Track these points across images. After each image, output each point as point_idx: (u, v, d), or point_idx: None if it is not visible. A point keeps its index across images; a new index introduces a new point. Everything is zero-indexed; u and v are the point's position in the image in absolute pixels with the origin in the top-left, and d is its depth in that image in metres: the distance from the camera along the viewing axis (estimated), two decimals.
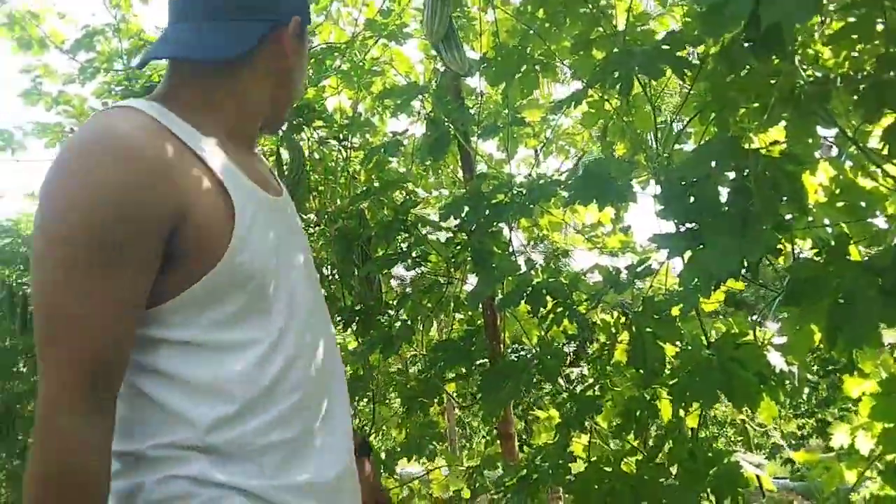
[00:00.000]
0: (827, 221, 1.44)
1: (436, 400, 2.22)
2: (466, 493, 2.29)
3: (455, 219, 1.99)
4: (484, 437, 2.65)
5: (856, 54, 1.31)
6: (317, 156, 2.88)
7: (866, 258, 1.25)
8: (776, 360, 1.40)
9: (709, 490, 1.42)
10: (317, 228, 2.95)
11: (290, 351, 0.89)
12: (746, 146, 1.34)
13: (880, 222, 1.41)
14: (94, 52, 2.55)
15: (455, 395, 2.55)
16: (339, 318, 2.72)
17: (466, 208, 1.95)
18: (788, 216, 1.33)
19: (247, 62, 0.92)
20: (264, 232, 0.90)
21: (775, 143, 1.31)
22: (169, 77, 0.93)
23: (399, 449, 2.36)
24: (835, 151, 1.48)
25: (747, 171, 1.28)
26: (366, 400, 2.47)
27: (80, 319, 0.77)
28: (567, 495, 1.61)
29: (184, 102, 0.89)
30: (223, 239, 0.84)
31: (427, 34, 1.66)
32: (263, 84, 0.95)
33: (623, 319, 1.76)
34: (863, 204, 1.41)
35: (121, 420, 0.81)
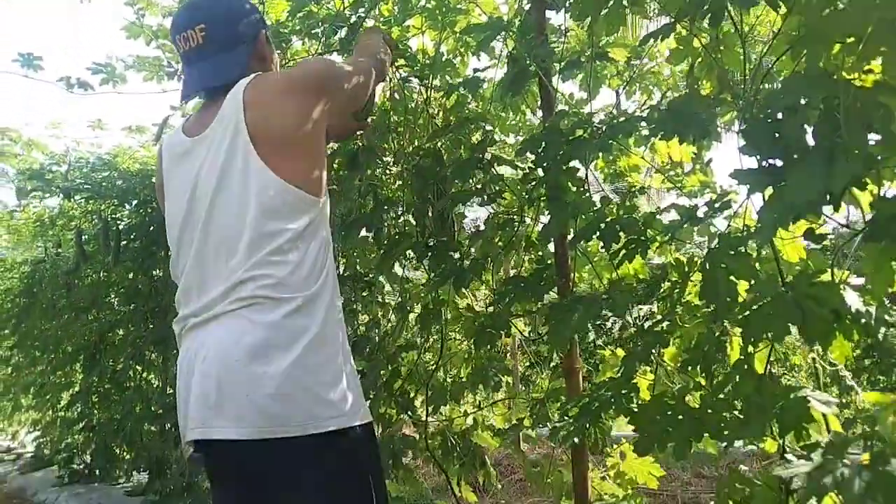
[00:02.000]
0: None
1: (503, 333, 2.28)
2: (528, 422, 2.35)
3: (532, 154, 2.01)
4: (547, 376, 2.68)
5: None
6: (398, 96, 2.93)
7: None
8: (853, 299, 1.38)
9: (774, 424, 1.43)
10: (394, 168, 3.02)
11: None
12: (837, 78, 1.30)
13: None
14: None
15: (522, 331, 2.60)
16: (411, 255, 2.81)
17: (544, 144, 1.96)
18: (878, 153, 1.30)
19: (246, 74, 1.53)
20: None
21: (869, 71, 1.27)
22: (207, 96, 1.62)
23: (465, 379, 2.44)
24: None
25: (837, 102, 1.25)
26: (435, 331, 2.56)
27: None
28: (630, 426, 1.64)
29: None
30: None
31: None
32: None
33: (696, 258, 1.76)
34: None
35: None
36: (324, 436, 1.32)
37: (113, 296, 6.06)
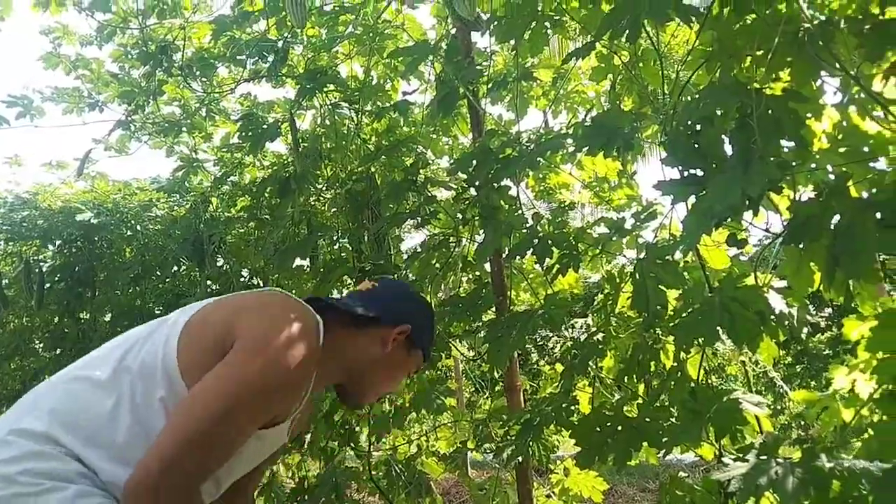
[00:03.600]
0: (830, 168, 1.46)
1: (444, 355, 2.26)
2: (472, 444, 2.32)
3: (463, 174, 2.02)
4: (489, 396, 2.67)
5: None
6: (328, 122, 2.92)
7: (866, 195, 1.27)
8: (776, 301, 1.42)
9: (710, 428, 1.45)
10: (328, 194, 2.99)
11: None
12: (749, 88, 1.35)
13: (881, 167, 1.42)
14: (111, 13, 2.59)
15: (462, 352, 2.59)
16: (348, 280, 2.77)
17: (475, 163, 1.98)
18: (793, 161, 1.35)
19: (360, 333, 1.32)
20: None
21: (777, 79, 1.33)
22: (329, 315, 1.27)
23: (408, 405, 2.40)
24: (837, 98, 1.49)
25: (750, 111, 1.30)
26: None
27: (227, 445, 1.06)
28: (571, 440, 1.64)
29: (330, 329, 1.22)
30: None
31: None
32: (360, 353, 1.33)
33: (626, 270, 1.79)
34: (865, 149, 1.42)
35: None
36: None
37: (37, 341, 5.76)
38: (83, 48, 2.82)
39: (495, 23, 2.01)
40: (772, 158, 1.28)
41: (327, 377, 1.32)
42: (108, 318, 4.90)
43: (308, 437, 2.69)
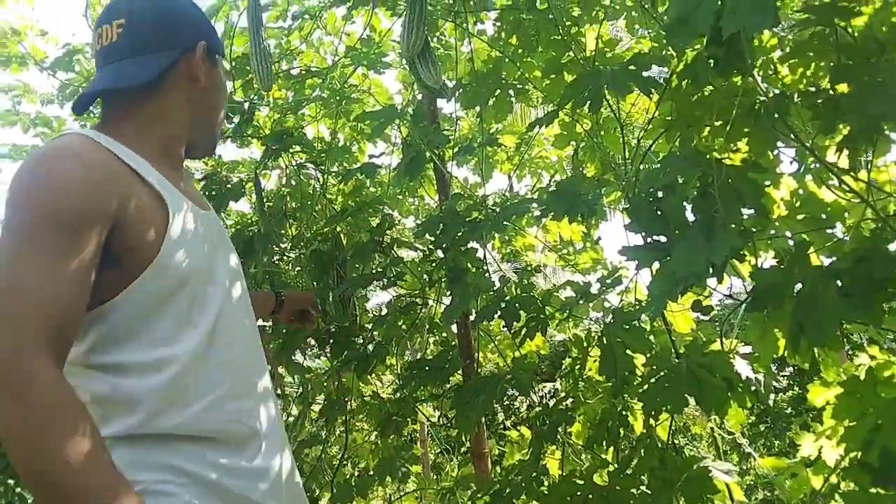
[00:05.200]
0: (789, 234, 1.50)
1: (409, 420, 2.21)
2: None
3: (430, 237, 2.02)
4: (457, 461, 2.62)
5: (811, 71, 1.37)
6: (294, 182, 2.91)
7: (827, 263, 1.30)
8: (742, 367, 1.43)
9: (680, 497, 1.43)
10: (292, 254, 2.96)
11: (220, 356, 1.08)
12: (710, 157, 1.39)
13: (839, 234, 1.46)
14: (74, 73, 2.57)
15: (429, 416, 2.54)
16: (312, 343, 2.72)
17: (441, 226, 1.98)
18: (753, 228, 1.38)
19: (159, 88, 1.13)
20: (197, 238, 1.10)
21: (737, 150, 1.37)
22: (104, 111, 1.16)
23: (372, 472, 2.33)
24: (794, 167, 1.54)
25: (711, 179, 1.33)
26: (339, 423, 2.46)
27: (36, 288, 0.89)
28: None
29: (117, 130, 1.09)
30: (158, 241, 1.03)
31: (403, 49, 1.71)
32: (180, 106, 1.16)
33: (594, 333, 1.79)
34: (823, 216, 1.46)
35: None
36: None
37: None
38: (44, 107, 2.79)
39: (460, 90, 2.05)
40: (733, 226, 1.30)
41: (172, 151, 1.16)
42: None
43: None
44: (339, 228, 2.54)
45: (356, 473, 2.52)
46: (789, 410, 5.29)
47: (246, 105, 2.62)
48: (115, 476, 0.89)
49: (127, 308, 1.00)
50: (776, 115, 1.35)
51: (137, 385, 0.99)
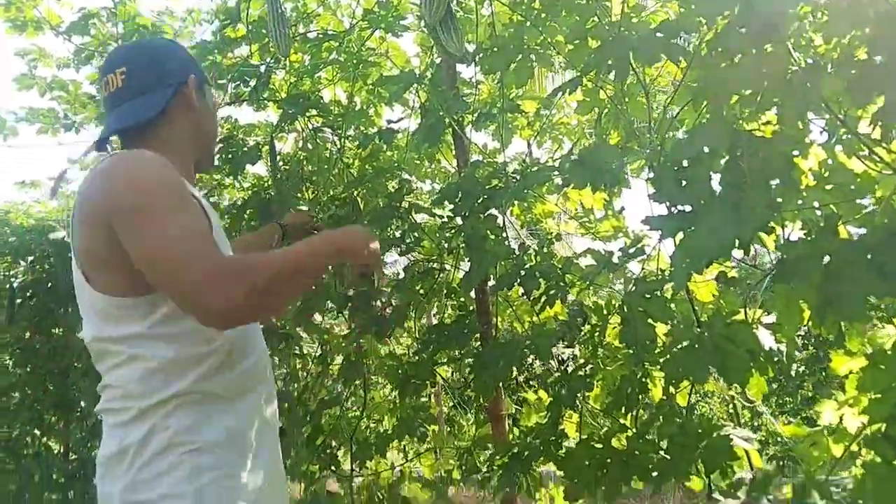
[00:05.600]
0: (816, 205, 1.49)
1: (428, 382, 2.24)
2: (457, 474, 2.31)
3: (449, 204, 2.02)
4: (474, 422, 2.66)
5: (846, 40, 1.35)
6: (311, 146, 2.90)
7: (856, 237, 1.29)
8: (765, 337, 1.44)
9: (699, 463, 1.45)
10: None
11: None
12: (739, 129, 1.37)
13: (868, 206, 1.45)
14: (89, 36, 2.55)
15: (446, 378, 2.58)
16: (330, 305, 2.74)
17: (461, 193, 1.98)
18: (780, 198, 1.37)
19: (165, 119, 1.36)
20: (222, 240, 1.37)
21: (767, 122, 1.35)
22: (123, 146, 1.38)
23: (390, 432, 2.38)
24: (824, 137, 1.52)
25: (739, 152, 1.32)
26: (358, 383, 2.50)
27: (195, 229, 1.18)
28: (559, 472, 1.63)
29: (149, 145, 1.31)
30: None
31: (425, 15, 1.69)
32: (184, 130, 1.40)
33: (614, 301, 1.80)
34: (852, 187, 1.45)
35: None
36: None
37: (7, 357, 5.63)
38: (59, 70, 2.78)
39: (480, 55, 2.02)
40: (762, 201, 1.29)
41: (186, 169, 1.40)
42: (81, 335, 4.80)
43: (289, 461, 2.65)
44: (356, 193, 2.54)
45: (375, 432, 2.57)
46: (802, 369, 5.31)
47: (262, 68, 2.60)
48: (297, 248, 1.27)
49: None
50: (808, 85, 1.33)
51: (194, 351, 1.23)
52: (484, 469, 2.07)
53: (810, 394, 5.70)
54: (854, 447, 1.43)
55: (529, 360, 1.96)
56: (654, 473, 1.54)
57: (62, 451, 4.92)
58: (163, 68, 1.39)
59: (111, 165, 1.23)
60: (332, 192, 2.74)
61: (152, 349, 1.25)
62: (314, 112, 2.70)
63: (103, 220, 1.20)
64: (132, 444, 1.23)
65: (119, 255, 1.20)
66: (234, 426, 1.28)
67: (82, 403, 4.58)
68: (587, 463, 1.64)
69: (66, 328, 4.81)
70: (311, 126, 2.79)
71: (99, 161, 1.32)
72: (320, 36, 2.50)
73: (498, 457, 1.87)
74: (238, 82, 2.61)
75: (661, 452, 1.57)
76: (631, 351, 1.65)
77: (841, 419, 1.46)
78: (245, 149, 2.77)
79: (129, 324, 1.25)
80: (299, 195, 2.84)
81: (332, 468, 2.65)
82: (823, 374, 5.33)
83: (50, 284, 4.67)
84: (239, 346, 1.31)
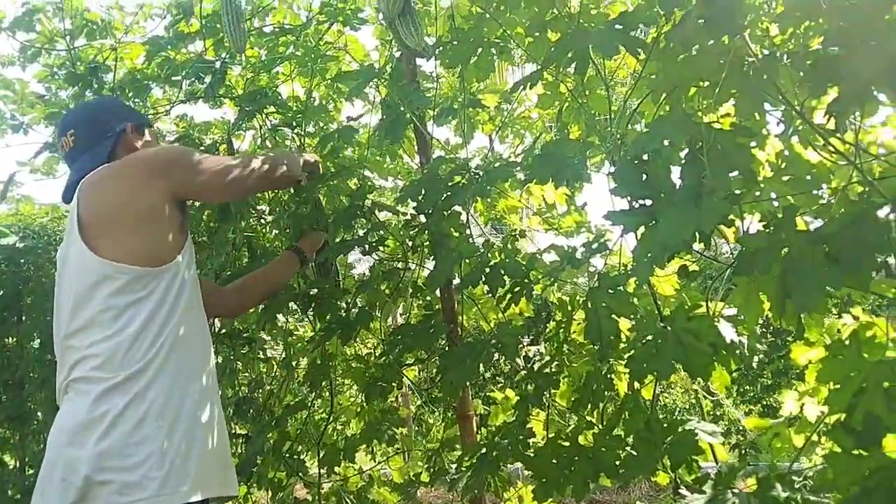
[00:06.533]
0: (774, 196, 1.49)
1: (395, 384, 2.21)
2: (425, 477, 2.28)
3: (412, 202, 1.98)
4: (442, 422, 2.64)
5: (801, 31, 1.35)
6: (269, 143, 2.84)
7: (813, 228, 1.29)
8: (727, 330, 1.44)
9: (665, 458, 1.45)
10: (269, 218, 2.90)
11: None
12: (698, 121, 1.37)
13: (824, 196, 1.46)
14: (35, 33, 2.46)
15: (413, 379, 2.55)
16: (294, 307, 2.69)
17: (423, 191, 1.95)
18: (739, 190, 1.37)
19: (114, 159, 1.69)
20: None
21: (726, 115, 1.35)
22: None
23: (358, 436, 2.34)
24: (781, 128, 1.52)
25: (699, 144, 1.31)
26: (324, 385, 2.45)
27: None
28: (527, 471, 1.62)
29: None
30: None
31: (383, 9, 1.65)
32: None
33: (578, 297, 1.79)
34: (808, 178, 1.46)
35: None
36: None
37: None
38: (4, 69, 2.68)
39: (440, 48, 1.99)
40: (721, 192, 1.29)
41: None
42: (36, 344, 4.67)
43: (255, 469, 2.60)
44: (317, 192, 2.49)
45: (343, 436, 2.52)
46: (761, 357, 5.41)
47: (217, 64, 2.53)
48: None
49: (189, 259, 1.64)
50: (765, 77, 1.33)
51: (175, 327, 1.53)
52: (452, 470, 2.05)
53: (769, 382, 5.81)
54: (815, 437, 1.44)
55: (495, 358, 1.94)
56: (621, 470, 1.53)
57: (18, 465, 4.77)
58: (101, 124, 1.73)
59: (128, 158, 1.67)
60: (292, 191, 2.69)
61: (143, 319, 1.47)
62: (272, 109, 2.65)
63: (150, 170, 1.59)
64: (109, 413, 1.39)
65: (147, 211, 1.54)
66: (203, 395, 1.52)
67: (38, 415, 4.44)
68: (555, 461, 1.63)
69: (19, 338, 4.67)
70: (269, 123, 2.73)
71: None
72: (277, 30, 2.45)
73: (466, 458, 1.85)
74: (193, 79, 2.54)
75: (628, 448, 1.57)
76: (595, 347, 1.63)
77: (801, 409, 1.47)
78: (202, 148, 2.70)
79: (128, 293, 1.47)
80: (260, 195, 2.78)
81: (300, 474, 2.60)
82: (782, 362, 5.43)
83: (1, 292, 4.52)
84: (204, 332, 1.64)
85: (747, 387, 6.06)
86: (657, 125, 1.40)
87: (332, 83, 2.61)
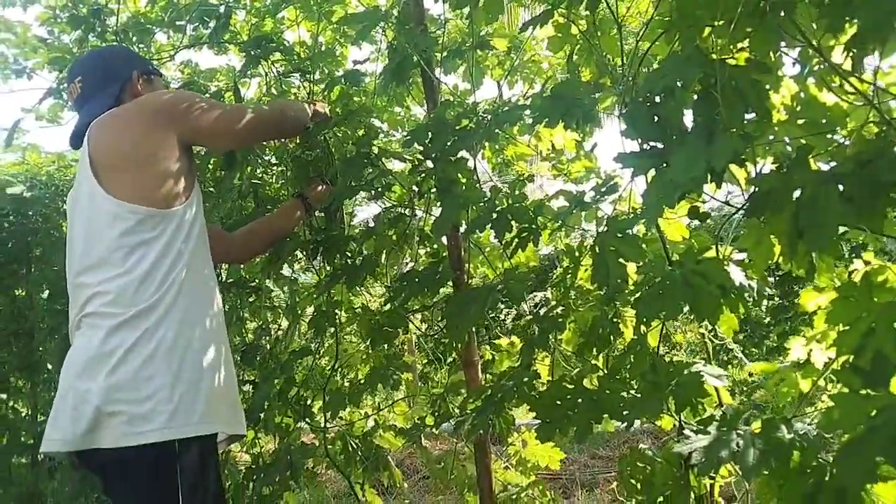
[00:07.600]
0: (787, 139, 1.47)
1: (400, 330, 2.22)
2: (430, 420, 2.31)
3: (419, 146, 1.96)
4: (446, 370, 2.66)
5: None
6: (275, 91, 2.80)
7: (827, 168, 1.27)
8: (737, 274, 1.43)
9: (670, 401, 1.45)
10: (276, 169, 2.89)
11: None
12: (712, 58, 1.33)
13: (839, 139, 1.43)
14: None
15: (419, 327, 2.56)
16: (300, 254, 2.69)
17: (430, 135, 1.92)
18: (751, 130, 1.34)
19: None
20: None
21: (741, 49, 1.31)
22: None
23: (363, 381, 2.36)
24: (796, 70, 1.49)
25: (713, 80, 1.28)
26: (330, 331, 2.46)
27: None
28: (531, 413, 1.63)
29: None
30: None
31: None
32: None
33: (586, 243, 1.78)
34: (823, 120, 1.43)
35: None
36: (133, 449, 1.42)
37: None
38: (4, 10, 2.63)
39: None
40: (735, 130, 1.26)
41: None
42: (45, 295, 4.71)
43: (262, 414, 2.63)
44: (325, 138, 2.47)
45: (348, 382, 2.55)
46: (768, 319, 5.40)
47: (222, 8, 2.49)
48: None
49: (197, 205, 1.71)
50: (782, 13, 1.29)
51: (185, 268, 1.62)
52: (457, 414, 2.07)
53: (775, 344, 5.83)
54: (821, 383, 1.44)
55: (501, 305, 1.94)
56: (626, 412, 1.53)
57: (30, 412, 4.86)
58: (108, 70, 1.79)
59: (143, 99, 1.74)
60: (299, 139, 2.66)
61: (153, 259, 1.52)
62: (278, 55, 2.61)
63: (155, 114, 1.64)
64: (120, 347, 1.44)
65: (158, 153, 1.60)
66: (211, 337, 1.57)
67: (49, 365, 4.50)
68: (558, 403, 1.64)
69: (28, 288, 4.71)
70: (275, 70, 2.69)
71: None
72: None
73: (471, 400, 1.86)
74: (197, 23, 2.50)
75: (633, 391, 1.57)
76: (602, 291, 1.63)
77: (809, 354, 1.46)
78: (207, 95, 2.67)
79: (138, 233, 1.53)
80: (266, 143, 2.76)
81: (306, 420, 2.64)
82: (789, 324, 5.43)
83: (11, 244, 4.54)
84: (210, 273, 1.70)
85: (753, 349, 6.08)
86: (669, 63, 1.37)
87: (339, 27, 2.57)
